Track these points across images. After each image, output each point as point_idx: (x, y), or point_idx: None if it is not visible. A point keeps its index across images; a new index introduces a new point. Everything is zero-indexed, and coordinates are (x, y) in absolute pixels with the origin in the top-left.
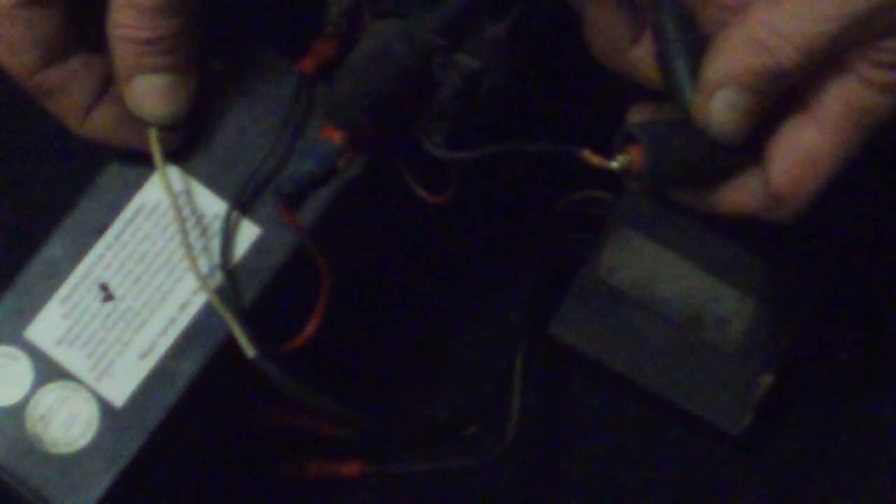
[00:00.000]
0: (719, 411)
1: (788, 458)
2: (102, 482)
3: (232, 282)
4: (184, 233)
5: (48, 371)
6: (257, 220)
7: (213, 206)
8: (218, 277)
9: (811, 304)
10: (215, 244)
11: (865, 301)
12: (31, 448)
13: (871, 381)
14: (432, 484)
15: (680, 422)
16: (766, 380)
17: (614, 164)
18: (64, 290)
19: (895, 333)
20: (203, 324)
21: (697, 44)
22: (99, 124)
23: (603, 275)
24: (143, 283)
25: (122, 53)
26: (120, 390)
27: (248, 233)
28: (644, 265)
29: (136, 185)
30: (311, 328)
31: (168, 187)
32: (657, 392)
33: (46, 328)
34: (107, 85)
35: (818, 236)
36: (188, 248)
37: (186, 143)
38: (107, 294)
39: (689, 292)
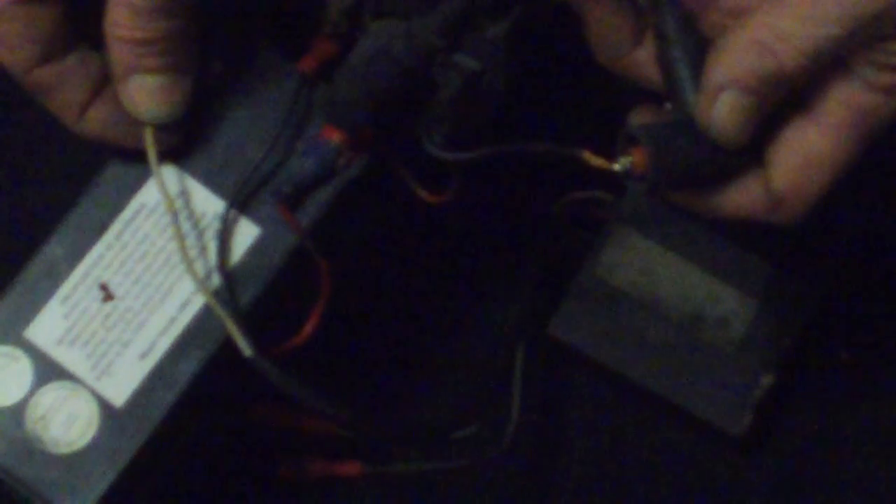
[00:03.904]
0: (719, 411)
1: (788, 458)
2: (102, 482)
3: (230, 282)
4: (179, 234)
5: (48, 371)
6: (257, 220)
7: (212, 205)
8: (216, 277)
9: (811, 304)
10: (214, 244)
11: (865, 301)
12: (31, 448)
13: (872, 381)
14: (432, 484)
15: (680, 422)
16: (766, 380)
17: (616, 166)
18: (64, 290)
19: (895, 333)
20: (203, 324)
21: (699, 46)
22: (95, 122)
23: (603, 275)
24: (143, 283)
25: (118, 53)
26: (120, 390)
27: (247, 232)
28: (644, 265)
29: (136, 185)
30: (309, 328)
31: (162, 187)
32: (657, 392)
33: (46, 328)
34: (104, 83)
35: (819, 237)
36: (183, 249)
37: (185, 142)
38: (107, 294)
39: (689, 292)
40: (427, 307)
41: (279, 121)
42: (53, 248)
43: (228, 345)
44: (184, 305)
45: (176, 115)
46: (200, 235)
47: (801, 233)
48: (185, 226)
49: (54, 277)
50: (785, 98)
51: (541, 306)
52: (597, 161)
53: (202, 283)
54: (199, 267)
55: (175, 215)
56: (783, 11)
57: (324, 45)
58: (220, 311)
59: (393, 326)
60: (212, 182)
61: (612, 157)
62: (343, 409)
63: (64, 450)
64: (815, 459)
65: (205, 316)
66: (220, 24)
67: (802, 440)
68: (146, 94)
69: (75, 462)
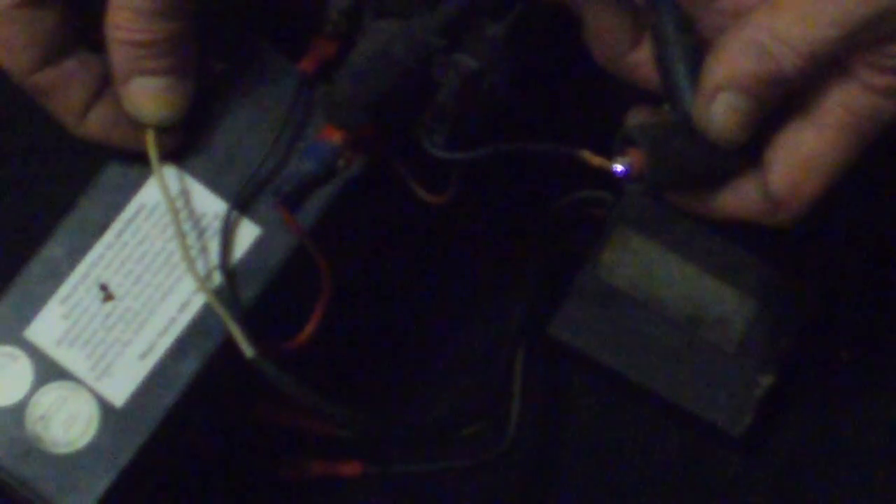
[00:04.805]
0: (719, 411)
1: (788, 458)
2: (102, 482)
3: (231, 282)
4: (180, 234)
5: (48, 371)
6: (257, 220)
7: (212, 205)
8: (217, 277)
9: (811, 304)
10: (215, 244)
11: (865, 301)
12: (31, 448)
13: (871, 381)
14: (432, 484)
15: (680, 422)
16: (766, 380)
17: (614, 167)
18: (64, 290)
19: (895, 333)
20: (203, 324)
21: (697, 47)
22: (96, 124)
23: (603, 275)
24: (143, 283)
25: (119, 56)
26: (120, 390)
27: (247, 233)
28: (644, 265)
29: (136, 185)
30: (310, 328)
31: (164, 189)
32: (657, 392)
33: (46, 328)
34: (104, 85)
35: (819, 237)
36: (185, 249)
37: (186, 143)
38: (107, 294)
39: (689, 292)
40: (427, 307)
41: (279, 121)
42: (53, 248)
43: (228, 345)
44: (183, 305)
45: (178, 117)
46: (201, 235)
47: (801, 233)
48: (186, 226)
49: (54, 277)
50: (783, 99)
51: (541, 306)
52: (596, 161)
53: (204, 284)
54: (200, 267)
55: (177, 216)
56: (781, 13)
57: (324, 45)
58: (223, 312)
59: (393, 326)
60: (212, 182)
61: (610, 156)
62: (343, 409)
63: (64, 450)
64: (816, 459)
65: (204, 316)
66: (220, 24)
67: (802, 440)
68: (148, 97)
69: (75, 462)
